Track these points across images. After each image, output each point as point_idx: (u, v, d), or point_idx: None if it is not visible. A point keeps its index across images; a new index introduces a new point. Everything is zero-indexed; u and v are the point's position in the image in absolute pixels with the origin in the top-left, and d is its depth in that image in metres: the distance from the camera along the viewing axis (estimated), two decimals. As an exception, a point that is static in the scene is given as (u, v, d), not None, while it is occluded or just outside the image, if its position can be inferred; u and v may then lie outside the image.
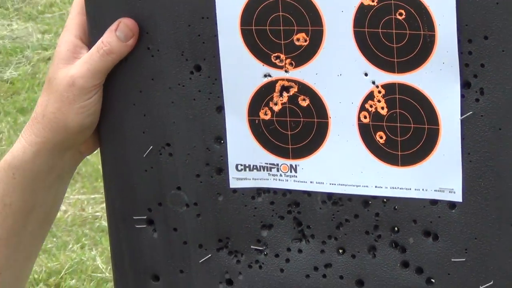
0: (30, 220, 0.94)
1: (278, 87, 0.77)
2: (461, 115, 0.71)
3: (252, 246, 0.81)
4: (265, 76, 0.76)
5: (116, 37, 0.82)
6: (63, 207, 4.18)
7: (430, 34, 0.69)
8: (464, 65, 0.69)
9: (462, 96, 0.70)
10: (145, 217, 0.87)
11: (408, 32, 0.70)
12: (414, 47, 0.71)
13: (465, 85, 0.70)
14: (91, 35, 0.83)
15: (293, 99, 0.76)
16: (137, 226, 0.87)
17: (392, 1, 0.70)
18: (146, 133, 0.84)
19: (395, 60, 0.72)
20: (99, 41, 0.81)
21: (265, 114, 0.77)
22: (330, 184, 0.77)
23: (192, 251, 0.85)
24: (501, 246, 0.73)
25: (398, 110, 0.73)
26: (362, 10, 0.71)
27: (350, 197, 0.77)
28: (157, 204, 0.85)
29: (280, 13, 0.74)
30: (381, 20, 0.71)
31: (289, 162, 0.79)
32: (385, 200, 0.76)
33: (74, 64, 0.84)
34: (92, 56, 0.82)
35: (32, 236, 0.96)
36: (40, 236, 0.98)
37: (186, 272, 0.86)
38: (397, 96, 0.73)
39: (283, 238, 0.81)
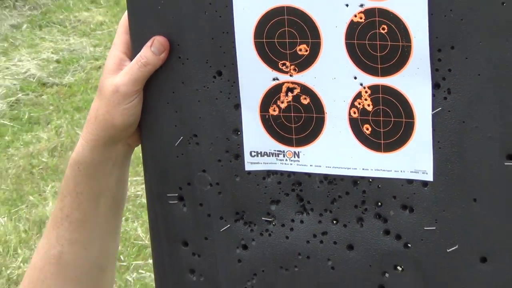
0: (100, 204, 0.92)
1: (284, 88, 0.74)
2: (432, 110, 0.69)
3: (263, 218, 0.78)
4: (274, 79, 0.74)
5: (151, 52, 0.80)
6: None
7: (407, 45, 0.67)
8: (434, 70, 0.67)
9: (433, 95, 0.68)
10: (176, 194, 0.84)
11: (389, 43, 0.68)
12: (394, 55, 0.68)
13: (435, 86, 0.68)
14: (133, 50, 0.82)
15: (296, 98, 0.74)
16: (170, 202, 0.84)
17: (377, 18, 0.68)
18: (177, 127, 0.81)
19: (379, 66, 0.70)
20: (138, 55, 0.80)
21: (274, 110, 0.75)
22: (326, 167, 0.74)
23: (215, 222, 0.82)
24: (464, 217, 0.70)
25: (381, 107, 0.71)
26: (352, 26, 0.69)
27: (342, 178, 0.74)
28: (186, 184, 0.82)
29: (286, 28, 0.72)
30: (367, 34, 0.69)
31: (293, 149, 0.76)
32: (370, 180, 0.73)
33: (118, 74, 0.83)
34: (132, 67, 0.82)
35: (105, 217, 0.94)
36: (112, 216, 0.96)
37: (209, 239, 0.82)
38: (380, 95, 0.71)
39: (288, 211, 0.78)
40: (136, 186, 3.50)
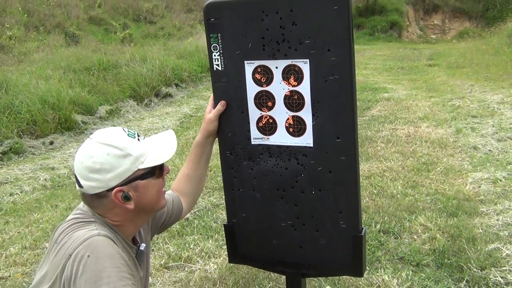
0: (202, 159, 1.80)
1: (264, 116, 1.61)
2: (312, 123, 1.55)
3: (257, 159, 1.66)
4: (260, 113, 1.61)
5: (221, 106, 1.64)
6: (214, 149, 5.12)
7: (303, 101, 1.54)
8: (312, 110, 1.53)
9: (312, 118, 1.54)
10: (229, 152, 1.70)
11: (298, 101, 1.55)
12: (299, 104, 1.55)
13: (313, 115, 1.54)
14: (215, 104, 1.66)
15: (267, 120, 1.61)
16: (227, 154, 1.70)
17: (293, 93, 1.55)
18: (230, 130, 1.67)
19: (294, 108, 1.57)
20: (216, 107, 1.63)
21: (260, 124, 1.62)
22: (278, 142, 1.62)
23: (242, 161, 1.69)
24: (328, 153, 1.57)
25: (295, 122, 1.58)
26: (285, 95, 1.57)
27: (283, 146, 1.61)
28: (232, 148, 1.69)
29: (264, 95, 1.59)
30: (291, 98, 1.56)
31: (267, 136, 1.64)
32: (292, 146, 1.60)
33: (210, 113, 1.67)
34: (215, 111, 1.66)
35: (204, 163, 1.82)
36: (205, 167, 1.84)
37: (240, 166, 1.70)
38: (295, 118, 1.58)
39: (265, 157, 1.65)
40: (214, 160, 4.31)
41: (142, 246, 1.54)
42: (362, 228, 1.63)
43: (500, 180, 4.54)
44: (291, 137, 1.62)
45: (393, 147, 5.72)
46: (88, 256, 1.25)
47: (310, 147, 1.59)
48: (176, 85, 10.27)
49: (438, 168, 4.97)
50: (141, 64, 10.03)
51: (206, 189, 4.64)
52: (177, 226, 3.85)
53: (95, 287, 1.19)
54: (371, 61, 14.50)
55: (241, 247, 1.82)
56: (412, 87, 9.91)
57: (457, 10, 27.61)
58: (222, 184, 4.56)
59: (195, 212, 4.15)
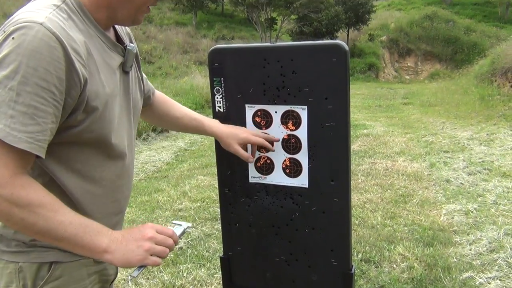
0: (186, 129, 1.63)
1: (261, 157, 1.60)
2: (308, 165, 1.53)
3: (254, 197, 1.63)
4: (258, 154, 1.59)
5: (245, 156, 1.54)
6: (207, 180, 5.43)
7: (300, 145, 1.52)
8: (309, 153, 1.52)
9: (308, 160, 1.52)
10: (227, 188, 1.67)
11: (295, 144, 1.54)
12: (295, 148, 1.53)
13: (309, 158, 1.53)
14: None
15: (265, 160, 1.59)
16: (225, 191, 1.67)
17: (291, 137, 1.54)
18: (230, 168, 1.64)
19: (291, 151, 1.55)
20: (247, 155, 1.55)
21: (259, 164, 1.60)
22: (275, 181, 1.59)
23: (239, 198, 1.65)
24: (322, 193, 1.55)
25: (292, 164, 1.56)
26: (283, 139, 1.55)
27: (280, 185, 1.59)
28: (231, 185, 1.66)
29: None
30: (288, 142, 1.54)
31: (264, 176, 1.61)
32: (288, 186, 1.58)
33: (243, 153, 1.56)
34: (240, 152, 1.55)
35: (179, 127, 1.65)
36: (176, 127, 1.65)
37: (237, 203, 1.66)
38: (292, 160, 1.55)
39: (262, 194, 1.62)
40: (214, 181, 4.25)
41: (131, 46, 1.26)
42: (352, 266, 1.59)
43: (472, 212, 4.54)
44: (287, 177, 1.59)
45: (372, 180, 5.71)
46: (12, 38, 0.97)
47: (305, 188, 1.57)
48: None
49: (414, 200, 4.96)
50: (140, 101, 9.98)
51: (198, 219, 4.57)
52: (171, 255, 3.77)
53: None
54: (351, 100, 14.47)
55: (236, 279, 1.77)
56: (389, 124, 9.98)
57: (428, 53, 28.15)
58: (214, 215, 4.56)
59: (188, 241, 4.07)
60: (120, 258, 1.08)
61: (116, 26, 1.28)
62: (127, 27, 1.36)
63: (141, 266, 1.12)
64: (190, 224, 1.37)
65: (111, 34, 1.24)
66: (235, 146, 1.53)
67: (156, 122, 1.65)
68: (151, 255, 1.11)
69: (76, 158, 1.12)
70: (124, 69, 1.24)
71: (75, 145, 1.10)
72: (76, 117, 1.05)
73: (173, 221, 1.36)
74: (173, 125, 1.64)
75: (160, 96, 1.62)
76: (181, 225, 1.33)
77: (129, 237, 1.11)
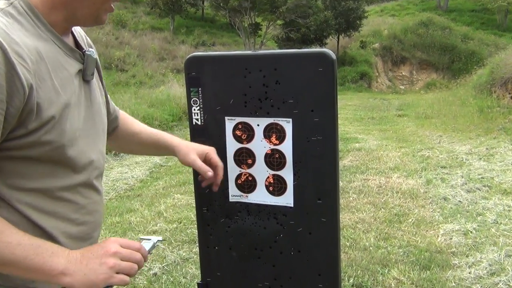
0: (142, 150, 1.67)
1: (243, 173, 1.61)
2: (293, 182, 1.54)
3: (235, 217, 1.64)
4: (239, 171, 1.60)
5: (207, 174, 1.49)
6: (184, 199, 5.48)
7: (284, 160, 1.53)
8: (294, 169, 1.53)
9: (294, 177, 1.53)
10: (206, 208, 1.67)
11: (279, 160, 1.55)
12: (280, 163, 1.54)
13: (294, 174, 1.53)
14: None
15: (247, 177, 1.60)
16: (203, 210, 1.67)
17: (275, 152, 1.54)
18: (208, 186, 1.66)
19: (275, 167, 1.56)
20: (206, 169, 1.49)
21: (240, 181, 1.61)
22: (257, 200, 1.61)
23: (219, 219, 1.66)
24: (306, 211, 1.56)
25: (276, 181, 1.57)
26: (266, 154, 1.56)
27: (263, 204, 1.60)
28: (209, 205, 1.66)
29: (244, 153, 1.58)
30: (272, 157, 1.55)
31: (246, 194, 1.62)
32: (272, 205, 1.58)
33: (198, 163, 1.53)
34: (198, 165, 1.53)
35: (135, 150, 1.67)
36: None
37: (216, 224, 1.66)
38: (276, 177, 1.57)
39: (244, 214, 1.63)
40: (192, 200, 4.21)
41: (90, 51, 1.24)
42: None
43: (471, 232, 4.58)
44: (271, 196, 1.60)
45: (365, 198, 5.74)
46: None
47: (290, 207, 1.57)
48: (147, 133, 10.19)
49: (410, 220, 5.00)
50: (111, 113, 9.93)
51: (175, 242, 4.54)
52: (145, 282, 3.74)
53: None
54: (342, 111, 14.72)
55: (216, 307, 1.76)
56: (382, 137, 10.07)
57: (424, 62, 28.56)
58: (192, 237, 4.54)
59: (163, 266, 4.04)
60: (81, 280, 1.04)
61: (75, 33, 1.27)
62: (87, 38, 1.35)
63: (107, 287, 1.08)
64: (160, 238, 1.35)
65: (69, 39, 1.22)
66: (193, 156, 1.48)
67: (119, 144, 1.62)
68: (117, 272, 1.07)
69: (29, 174, 1.08)
70: (85, 78, 1.22)
71: (28, 159, 1.07)
72: (27, 128, 1.03)
73: (141, 237, 1.33)
74: (132, 143, 1.61)
75: (122, 115, 1.61)
76: (150, 239, 1.30)
77: (89, 255, 1.07)
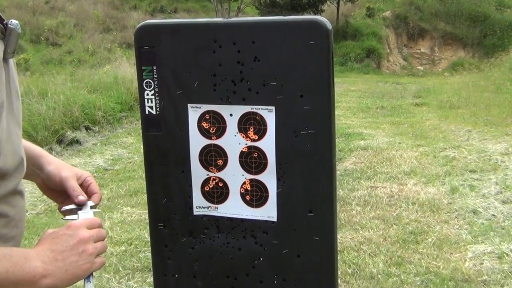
0: None
1: (211, 179, 1.60)
2: (277, 190, 1.54)
3: (201, 235, 1.63)
4: (207, 175, 1.60)
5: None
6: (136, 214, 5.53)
7: (265, 162, 1.53)
8: (278, 173, 1.52)
9: (277, 183, 1.52)
10: (163, 224, 1.66)
11: (258, 161, 1.54)
12: (260, 165, 1.54)
13: (278, 179, 1.53)
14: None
15: (217, 183, 1.59)
16: (159, 227, 1.67)
17: (252, 149, 1.54)
18: (165, 192, 1.65)
19: (253, 170, 1.56)
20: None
21: (207, 188, 1.60)
22: (230, 213, 1.60)
23: (180, 236, 1.65)
24: (291, 229, 1.56)
25: (254, 188, 1.56)
26: (242, 153, 1.56)
27: (237, 219, 1.59)
28: (167, 220, 1.65)
29: (213, 153, 1.58)
30: (248, 156, 1.54)
31: (215, 205, 1.62)
32: (249, 220, 1.58)
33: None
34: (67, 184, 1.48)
35: None
36: None
37: (176, 244, 1.64)
38: (254, 183, 1.56)
39: (212, 232, 1.62)
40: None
41: (14, 23, 1.22)
42: None
43: (507, 255, 4.62)
44: (247, 207, 1.60)
45: (371, 211, 5.77)
46: None
47: (273, 222, 1.57)
48: (87, 128, 10.08)
49: (430, 239, 5.03)
50: (39, 100, 9.75)
51: (123, 270, 4.51)
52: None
53: None
54: (342, 99, 14.78)
55: None
56: (395, 133, 10.12)
57: (449, 36, 28.69)
58: (145, 263, 4.51)
59: (110, 299, 4.01)
60: (63, 277, 1.17)
61: None
62: None
63: (89, 276, 1.24)
64: (91, 203, 1.42)
65: None
66: (67, 173, 1.47)
67: None
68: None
69: None
70: (5, 56, 1.21)
71: None
72: None
73: (66, 207, 1.40)
74: None
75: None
76: (85, 206, 1.40)
77: (61, 248, 1.18)
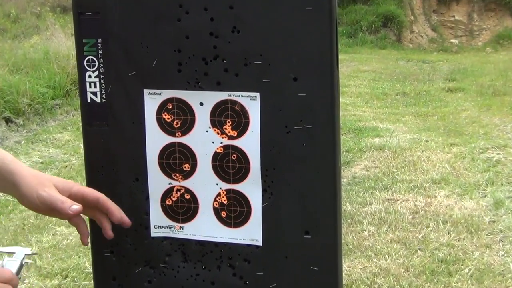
0: None
1: (175, 189, 1.59)
2: (262, 204, 1.52)
3: (161, 265, 1.61)
4: (169, 184, 1.58)
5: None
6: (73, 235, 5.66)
7: (246, 166, 1.52)
8: (263, 181, 1.51)
9: (262, 195, 1.51)
10: (109, 249, 1.65)
11: (237, 165, 1.53)
12: (240, 172, 1.52)
13: (264, 191, 1.51)
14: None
15: (182, 195, 1.59)
16: (105, 254, 1.65)
17: (230, 150, 1.52)
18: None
19: (231, 178, 1.54)
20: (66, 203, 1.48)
21: (169, 201, 1.59)
22: (199, 235, 1.59)
23: (132, 267, 1.64)
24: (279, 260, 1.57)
25: (232, 201, 1.55)
26: (216, 154, 1.54)
27: (209, 242, 1.58)
28: (116, 244, 1.62)
29: (177, 154, 1.56)
30: (224, 159, 1.53)
31: (179, 224, 1.60)
32: (225, 243, 1.56)
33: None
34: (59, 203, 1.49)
35: None
36: None
37: (128, 277, 1.65)
38: (232, 195, 1.55)
39: (175, 261, 1.61)
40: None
41: None
42: None
43: None
44: (223, 227, 1.60)
45: (389, 233, 5.77)
46: None
47: (257, 247, 1.57)
48: (7, 120, 10.01)
49: (466, 270, 5.05)
50: None
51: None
52: None
53: None
54: (351, 82, 14.76)
55: None
56: (420, 128, 10.12)
57: (492, -1, 28.72)
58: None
59: None
60: None
61: None
62: None
63: None
64: (28, 250, 1.40)
65: None
66: (46, 189, 1.48)
67: None
68: None
69: None
70: None
71: None
72: None
73: None
74: None
75: None
76: (13, 253, 1.36)
77: None
